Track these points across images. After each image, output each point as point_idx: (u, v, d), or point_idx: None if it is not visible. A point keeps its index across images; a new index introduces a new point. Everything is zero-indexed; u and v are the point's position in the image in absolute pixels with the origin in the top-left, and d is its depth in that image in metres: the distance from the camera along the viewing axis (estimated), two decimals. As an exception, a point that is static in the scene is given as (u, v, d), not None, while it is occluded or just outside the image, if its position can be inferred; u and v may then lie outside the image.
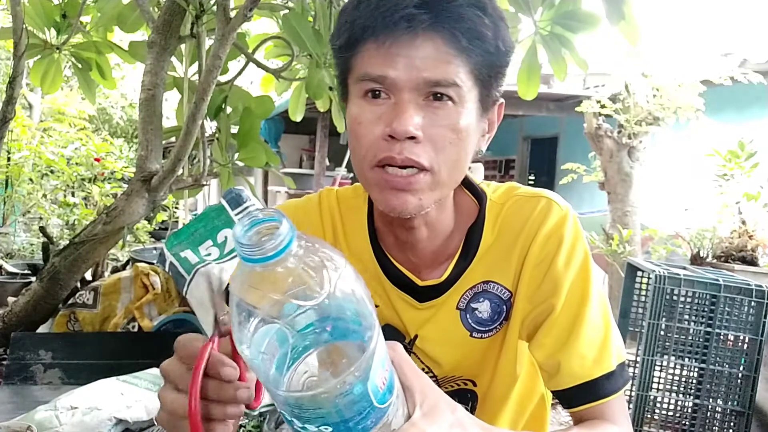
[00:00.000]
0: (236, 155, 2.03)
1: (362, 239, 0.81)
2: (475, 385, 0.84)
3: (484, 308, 0.78)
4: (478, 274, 0.78)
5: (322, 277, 0.41)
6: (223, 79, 1.96)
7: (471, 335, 0.79)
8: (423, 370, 0.82)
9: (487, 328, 0.79)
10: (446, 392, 0.83)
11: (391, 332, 0.81)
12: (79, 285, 2.23)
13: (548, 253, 0.75)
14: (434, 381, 0.83)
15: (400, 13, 0.62)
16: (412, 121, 0.64)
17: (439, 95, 0.65)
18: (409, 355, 0.81)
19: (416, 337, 0.81)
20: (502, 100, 0.74)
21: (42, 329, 2.15)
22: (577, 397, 0.72)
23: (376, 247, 0.80)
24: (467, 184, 0.82)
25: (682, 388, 2.24)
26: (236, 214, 0.83)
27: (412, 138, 0.65)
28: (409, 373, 0.50)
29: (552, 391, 0.77)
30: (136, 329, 2.14)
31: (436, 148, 0.66)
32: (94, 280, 2.42)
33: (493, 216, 0.79)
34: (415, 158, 0.66)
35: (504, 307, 0.79)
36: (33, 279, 2.50)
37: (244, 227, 0.41)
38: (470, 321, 0.79)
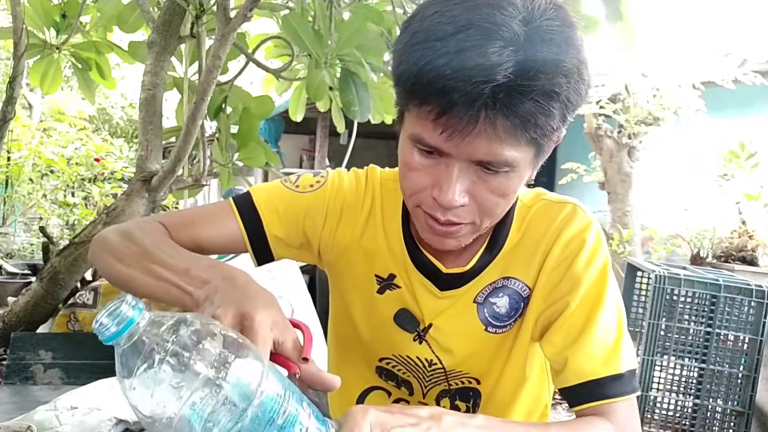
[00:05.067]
0: (236, 155, 2.03)
1: (395, 222, 0.83)
2: (479, 383, 0.84)
3: (502, 303, 0.80)
4: (499, 270, 0.80)
5: (178, 341, 0.45)
6: (223, 79, 1.96)
7: (486, 329, 0.80)
8: (432, 360, 0.83)
9: (502, 324, 0.80)
10: (451, 389, 0.84)
11: (407, 317, 0.82)
12: (79, 285, 2.23)
13: (569, 254, 0.76)
14: (441, 373, 0.83)
15: (464, 95, 0.57)
16: (457, 194, 0.64)
17: (491, 169, 0.64)
18: (421, 342, 0.82)
19: (431, 325, 0.82)
20: (563, 133, 0.69)
21: (42, 329, 2.15)
22: (582, 395, 0.72)
23: (407, 232, 0.82)
24: None
25: (682, 388, 2.24)
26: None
27: (459, 206, 0.65)
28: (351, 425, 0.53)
29: (559, 390, 0.77)
30: (136, 329, 2.14)
31: (482, 209, 0.67)
32: (94, 280, 2.42)
33: (521, 217, 0.80)
34: (458, 220, 0.67)
35: (522, 303, 0.80)
36: (33, 279, 2.50)
37: (98, 316, 0.45)
38: (487, 315, 0.80)
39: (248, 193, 0.84)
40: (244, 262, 0.86)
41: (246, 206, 0.82)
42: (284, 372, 0.56)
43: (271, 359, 0.54)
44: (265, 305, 0.57)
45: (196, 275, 0.62)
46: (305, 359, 0.56)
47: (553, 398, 0.93)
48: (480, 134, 0.60)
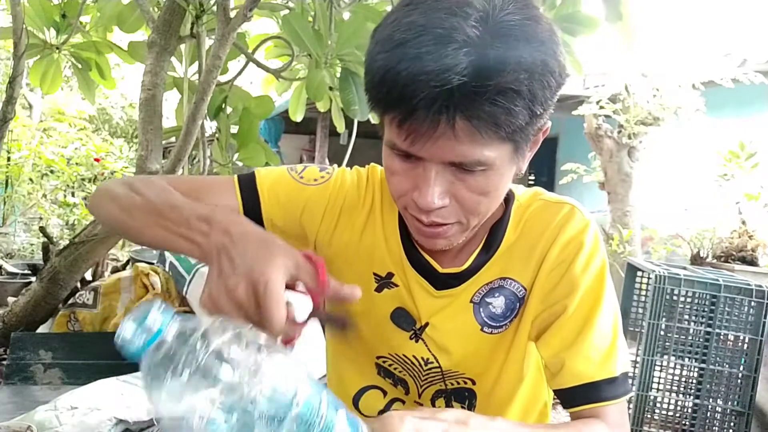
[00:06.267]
0: (236, 155, 2.03)
1: (393, 221, 0.83)
2: (474, 383, 0.84)
3: (498, 303, 0.80)
4: (496, 270, 0.80)
5: (209, 352, 0.43)
6: (223, 79, 1.96)
7: (482, 329, 0.80)
8: (428, 359, 0.83)
9: (498, 324, 0.80)
10: (447, 389, 0.84)
11: (403, 315, 0.83)
12: (79, 285, 2.23)
13: (567, 256, 0.76)
14: (438, 373, 0.83)
15: (421, 100, 0.58)
16: (434, 196, 0.64)
17: (466, 169, 0.64)
18: (417, 341, 0.82)
19: (427, 324, 0.82)
20: (548, 124, 0.68)
21: (42, 329, 2.15)
22: (578, 397, 0.73)
23: (404, 231, 0.82)
24: None
25: (682, 388, 2.24)
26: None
27: (439, 207, 0.66)
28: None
29: (554, 391, 0.78)
30: (136, 329, 2.13)
31: (465, 208, 0.67)
32: (94, 280, 2.42)
33: (518, 216, 0.80)
34: (441, 221, 0.68)
35: (517, 304, 0.80)
36: (33, 279, 2.50)
37: (122, 327, 0.43)
38: (483, 315, 0.80)
39: (253, 173, 0.84)
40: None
41: (248, 186, 0.83)
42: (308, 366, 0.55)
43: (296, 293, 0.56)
44: (272, 259, 0.57)
45: (201, 226, 0.63)
46: (322, 289, 0.59)
47: (554, 398, 0.93)
48: (443, 137, 0.60)
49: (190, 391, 0.42)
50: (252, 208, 0.82)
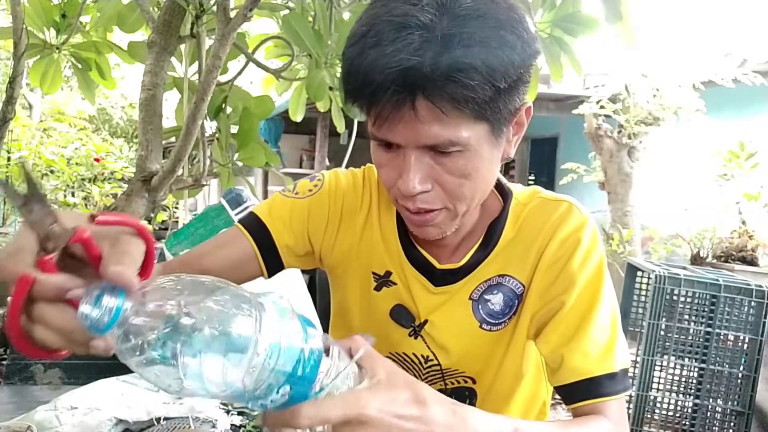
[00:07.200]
0: (236, 155, 2.03)
1: (391, 219, 0.84)
2: (474, 382, 0.84)
3: (496, 300, 0.80)
4: (494, 267, 0.80)
5: (173, 311, 0.45)
6: (223, 79, 1.96)
7: (481, 326, 0.81)
8: (428, 357, 0.83)
9: (497, 321, 0.81)
10: (447, 389, 0.84)
11: (402, 313, 0.83)
12: (79, 285, 2.23)
13: (565, 252, 0.76)
14: (438, 371, 0.83)
15: (380, 83, 0.60)
16: (415, 181, 0.66)
17: (442, 151, 0.65)
18: (416, 338, 0.82)
19: (426, 321, 0.82)
20: (528, 104, 0.70)
21: (42, 329, 2.15)
22: (578, 393, 0.73)
23: (402, 228, 0.83)
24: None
25: (682, 388, 2.24)
26: (236, 214, 0.85)
27: (421, 192, 0.67)
28: (366, 359, 0.55)
29: (555, 388, 0.78)
30: (136, 329, 2.13)
31: (448, 192, 0.68)
32: (94, 280, 2.41)
33: (516, 214, 0.81)
34: (427, 206, 0.69)
35: (516, 301, 0.80)
36: (33, 279, 2.49)
37: (82, 308, 0.43)
38: (482, 312, 0.80)
39: (252, 212, 0.86)
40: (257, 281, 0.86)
41: (253, 224, 0.84)
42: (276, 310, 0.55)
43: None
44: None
45: None
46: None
47: (553, 398, 0.93)
48: (406, 119, 0.62)
49: (164, 351, 0.45)
50: (265, 243, 0.83)
